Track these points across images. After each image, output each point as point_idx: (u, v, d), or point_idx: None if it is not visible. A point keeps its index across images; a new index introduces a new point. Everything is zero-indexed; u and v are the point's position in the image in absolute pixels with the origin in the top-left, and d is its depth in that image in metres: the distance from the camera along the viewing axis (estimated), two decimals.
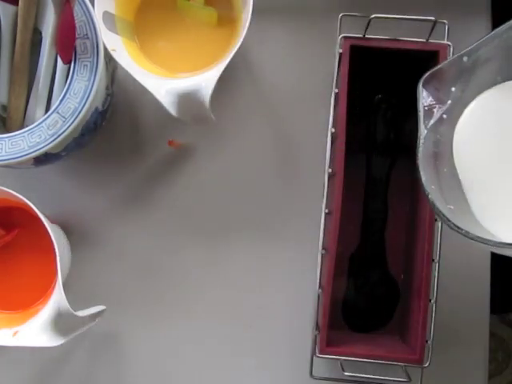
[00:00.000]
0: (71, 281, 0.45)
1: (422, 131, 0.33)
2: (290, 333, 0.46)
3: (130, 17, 0.44)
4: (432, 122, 0.33)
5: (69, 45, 0.38)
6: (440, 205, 0.30)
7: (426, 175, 0.31)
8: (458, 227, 0.29)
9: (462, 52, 0.33)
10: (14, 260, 0.44)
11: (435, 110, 0.33)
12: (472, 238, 0.29)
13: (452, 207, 0.31)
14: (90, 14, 0.38)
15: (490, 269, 0.46)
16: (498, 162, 0.34)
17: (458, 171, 0.34)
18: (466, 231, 0.29)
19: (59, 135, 0.38)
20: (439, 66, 0.34)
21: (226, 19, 0.43)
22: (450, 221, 0.30)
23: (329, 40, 0.45)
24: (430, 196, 0.31)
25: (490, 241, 0.28)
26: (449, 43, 0.40)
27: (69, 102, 0.38)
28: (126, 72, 0.39)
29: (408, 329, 0.42)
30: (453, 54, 0.40)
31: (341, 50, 0.40)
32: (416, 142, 0.33)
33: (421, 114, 0.33)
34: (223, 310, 0.46)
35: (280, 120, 0.47)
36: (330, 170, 0.42)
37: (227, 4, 0.43)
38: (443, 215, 0.30)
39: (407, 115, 0.44)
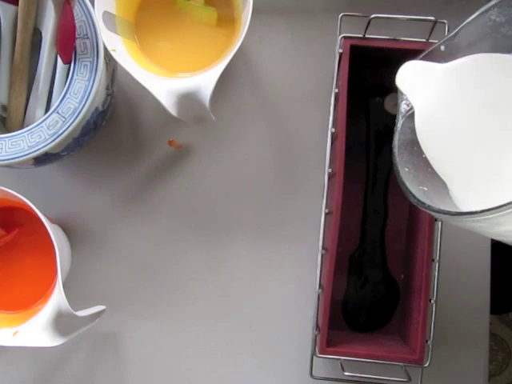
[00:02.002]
0: (71, 281, 0.45)
1: (400, 118, 0.34)
2: (289, 333, 0.46)
3: (130, 17, 0.44)
4: (410, 110, 0.34)
5: (69, 45, 0.38)
6: (409, 184, 0.31)
7: (399, 158, 0.33)
8: (421, 202, 0.30)
9: (439, 42, 0.34)
10: (14, 260, 0.44)
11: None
12: (433, 211, 0.29)
13: (426, 189, 0.32)
14: (90, 14, 0.38)
15: (490, 269, 0.46)
16: (462, 139, 0.33)
17: (425, 151, 0.33)
18: (429, 205, 0.30)
19: (59, 135, 0.38)
20: (419, 57, 0.34)
21: (226, 19, 0.43)
22: (414, 196, 0.30)
23: (329, 40, 0.45)
24: (400, 175, 0.32)
25: (450, 212, 0.28)
26: None
27: (69, 102, 0.38)
28: (126, 72, 0.39)
29: (408, 329, 0.42)
30: None
31: (341, 50, 0.40)
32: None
33: (400, 101, 0.34)
34: (223, 310, 0.46)
35: (280, 120, 0.47)
36: (330, 170, 0.42)
37: (227, 4, 0.43)
38: (410, 192, 0.31)
39: None
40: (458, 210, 0.31)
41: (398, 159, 0.33)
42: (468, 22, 0.32)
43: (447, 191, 0.33)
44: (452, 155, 0.33)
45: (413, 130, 0.34)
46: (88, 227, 0.47)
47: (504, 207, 0.24)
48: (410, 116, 0.34)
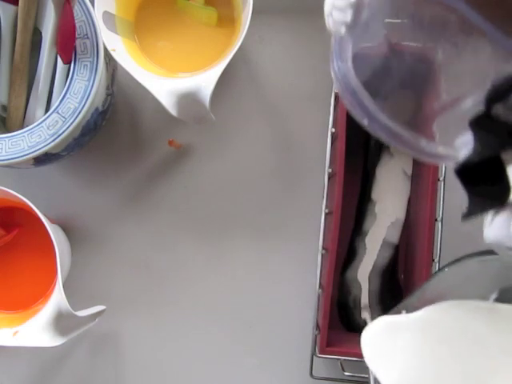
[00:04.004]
0: (71, 281, 0.45)
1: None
2: (289, 333, 0.46)
3: (130, 17, 0.44)
4: None
5: (69, 45, 0.38)
6: None
7: None
8: None
9: (399, 305, 0.31)
10: (14, 260, 0.44)
11: None
12: None
13: None
14: (90, 14, 0.38)
15: None
16: None
17: None
18: None
19: (59, 135, 0.38)
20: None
21: (226, 19, 0.43)
22: None
23: (329, 40, 0.45)
24: None
25: None
26: None
27: (69, 102, 0.38)
28: (126, 72, 0.39)
29: None
30: None
31: None
32: None
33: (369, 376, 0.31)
34: (223, 310, 0.46)
35: (280, 120, 0.47)
36: (330, 170, 0.42)
37: (227, 4, 0.43)
38: None
39: None
40: None
41: None
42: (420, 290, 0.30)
43: None
44: None
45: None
46: (88, 227, 0.47)
47: None
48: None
